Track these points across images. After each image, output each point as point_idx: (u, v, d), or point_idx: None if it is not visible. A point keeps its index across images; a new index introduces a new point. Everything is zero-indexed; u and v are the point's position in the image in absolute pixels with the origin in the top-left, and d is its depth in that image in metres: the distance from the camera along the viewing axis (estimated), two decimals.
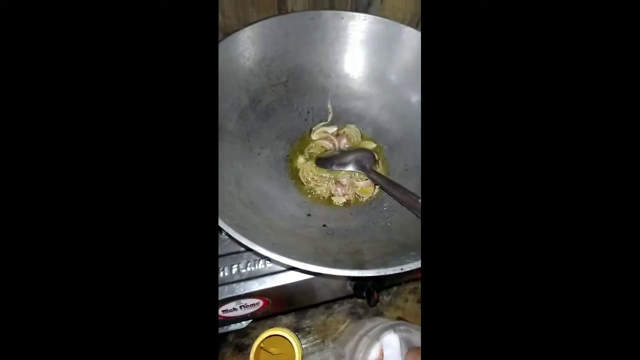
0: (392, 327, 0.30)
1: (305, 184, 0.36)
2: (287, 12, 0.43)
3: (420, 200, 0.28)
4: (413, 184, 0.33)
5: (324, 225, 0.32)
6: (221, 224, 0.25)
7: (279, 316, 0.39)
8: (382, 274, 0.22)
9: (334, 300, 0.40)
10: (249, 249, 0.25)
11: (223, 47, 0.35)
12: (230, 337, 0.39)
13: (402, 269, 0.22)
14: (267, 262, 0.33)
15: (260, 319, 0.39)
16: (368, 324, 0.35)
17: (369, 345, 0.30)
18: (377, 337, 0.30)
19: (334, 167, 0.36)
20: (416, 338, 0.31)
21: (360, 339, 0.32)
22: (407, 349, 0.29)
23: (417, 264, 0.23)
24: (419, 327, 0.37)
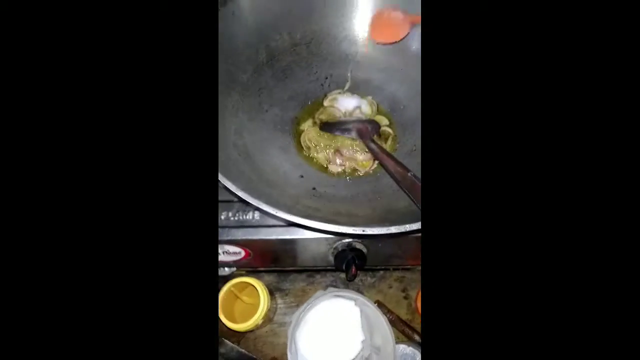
0: (348, 299, 0.30)
1: (305, 149, 0.35)
2: None
3: (409, 174, 0.26)
4: (416, 163, 0.31)
5: (314, 188, 0.32)
6: None
7: (262, 274, 0.40)
8: (351, 232, 0.22)
9: (317, 271, 0.40)
10: (231, 193, 0.25)
11: None
12: None
13: (363, 231, 0.21)
14: (256, 215, 0.33)
15: (244, 271, 0.40)
16: (327, 292, 0.34)
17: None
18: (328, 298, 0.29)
19: (336, 132, 0.35)
20: (377, 321, 0.30)
21: (307, 306, 0.32)
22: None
23: (382, 230, 0.21)
24: (392, 317, 0.35)
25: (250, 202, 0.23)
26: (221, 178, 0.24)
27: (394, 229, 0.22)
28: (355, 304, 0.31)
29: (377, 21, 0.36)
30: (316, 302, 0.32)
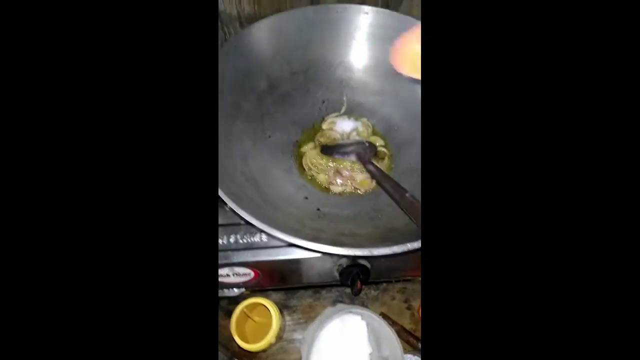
0: (355, 313, 0.31)
1: (306, 170, 0.37)
2: (318, 4, 0.44)
3: (407, 194, 0.28)
4: (412, 182, 0.33)
5: (318, 209, 0.34)
6: (220, 193, 0.27)
7: (269, 292, 0.42)
8: (358, 254, 0.23)
9: (323, 286, 0.41)
10: (237, 214, 0.27)
11: (249, 33, 0.38)
12: (223, 303, 0.42)
13: (370, 252, 0.23)
14: (263, 236, 0.35)
15: (252, 290, 0.41)
16: (337, 310, 0.35)
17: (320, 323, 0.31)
18: (339, 316, 0.31)
19: (336, 156, 0.37)
20: (386, 335, 0.31)
21: (319, 324, 0.33)
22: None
23: (386, 251, 0.23)
24: (398, 328, 0.37)
25: (263, 229, 0.25)
26: (233, 206, 0.26)
27: (396, 249, 0.24)
28: (362, 318, 0.32)
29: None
30: (327, 320, 0.33)
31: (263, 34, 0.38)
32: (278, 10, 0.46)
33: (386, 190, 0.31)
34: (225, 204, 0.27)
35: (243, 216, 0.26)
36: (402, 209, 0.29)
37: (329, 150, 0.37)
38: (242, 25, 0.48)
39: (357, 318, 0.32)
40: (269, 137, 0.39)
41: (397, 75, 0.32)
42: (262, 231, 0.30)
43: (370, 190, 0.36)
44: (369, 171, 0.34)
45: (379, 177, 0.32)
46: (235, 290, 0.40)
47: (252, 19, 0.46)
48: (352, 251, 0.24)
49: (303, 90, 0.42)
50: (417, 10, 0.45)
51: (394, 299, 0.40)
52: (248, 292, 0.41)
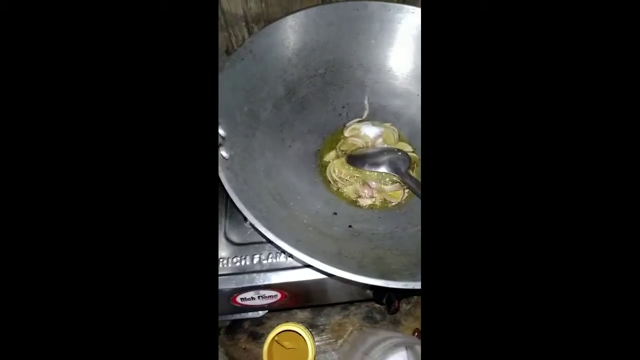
0: (399, 345, 0.29)
1: (332, 183, 0.35)
2: (330, 2, 0.41)
3: None
4: None
5: (350, 226, 0.31)
6: (247, 215, 0.25)
7: (295, 310, 0.39)
8: (411, 287, 0.21)
9: (352, 302, 0.39)
10: (272, 242, 0.24)
11: (263, 35, 0.34)
12: (246, 325, 0.39)
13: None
14: (288, 256, 0.32)
15: (276, 310, 0.39)
16: (371, 338, 0.33)
17: None
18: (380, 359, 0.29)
19: (366, 167, 0.34)
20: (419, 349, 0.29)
21: (362, 358, 0.31)
22: None
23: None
24: None
25: (306, 261, 0.23)
26: (270, 235, 0.24)
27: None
28: (406, 350, 0.29)
29: None
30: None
31: (277, 37, 0.35)
32: (287, 8, 0.42)
33: None
34: (255, 227, 0.24)
35: (284, 248, 0.23)
36: None
37: (356, 160, 0.35)
38: (248, 26, 0.44)
39: (402, 355, 0.29)
40: (289, 147, 0.36)
41: (418, 74, 0.30)
42: (291, 255, 0.28)
43: (404, 202, 0.34)
44: (407, 185, 0.32)
45: (420, 191, 0.30)
46: (260, 312, 0.38)
47: (259, 18, 0.43)
48: (405, 284, 0.21)
49: (321, 94, 0.39)
50: None
51: None
52: (270, 313, 0.38)
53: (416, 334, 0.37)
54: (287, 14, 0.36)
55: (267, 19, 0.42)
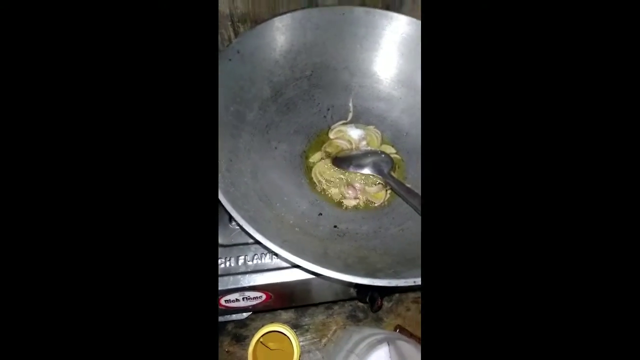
0: (382, 341, 0.30)
1: (317, 184, 0.35)
2: (317, 6, 0.42)
3: None
4: None
5: (335, 227, 0.32)
6: (235, 215, 0.25)
7: (279, 311, 0.39)
8: (394, 284, 0.22)
9: (335, 301, 0.40)
10: (259, 243, 0.24)
11: (251, 36, 0.34)
12: (229, 327, 0.39)
13: (414, 282, 0.22)
14: (274, 256, 0.32)
15: (260, 311, 0.39)
16: (355, 336, 0.34)
17: None
18: (365, 355, 0.30)
19: (351, 169, 0.35)
20: (411, 353, 0.30)
21: (347, 356, 0.32)
22: None
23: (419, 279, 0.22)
24: (415, 340, 0.36)
25: (294, 261, 0.23)
26: (258, 237, 0.24)
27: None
28: (389, 351, 0.30)
29: None
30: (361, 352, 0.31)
31: (264, 38, 0.35)
32: (274, 9, 0.42)
33: (414, 207, 0.30)
34: (241, 226, 0.24)
35: (272, 248, 0.23)
36: None
37: (341, 162, 0.35)
38: (234, 25, 0.44)
39: (385, 350, 0.30)
40: (275, 148, 0.36)
41: (401, 79, 0.31)
42: (278, 255, 0.28)
43: (386, 203, 0.35)
44: (389, 185, 0.33)
45: (403, 192, 0.31)
46: (244, 314, 0.37)
47: (246, 18, 0.43)
48: (388, 282, 0.22)
49: (307, 96, 0.39)
50: (419, 12, 0.44)
51: (409, 309, 0.40)
52: (254, 315, 0.38)
53: (397, 330, 0.38)
54: (274, 15, 0.36)
55: (254, 19, 0.42)
